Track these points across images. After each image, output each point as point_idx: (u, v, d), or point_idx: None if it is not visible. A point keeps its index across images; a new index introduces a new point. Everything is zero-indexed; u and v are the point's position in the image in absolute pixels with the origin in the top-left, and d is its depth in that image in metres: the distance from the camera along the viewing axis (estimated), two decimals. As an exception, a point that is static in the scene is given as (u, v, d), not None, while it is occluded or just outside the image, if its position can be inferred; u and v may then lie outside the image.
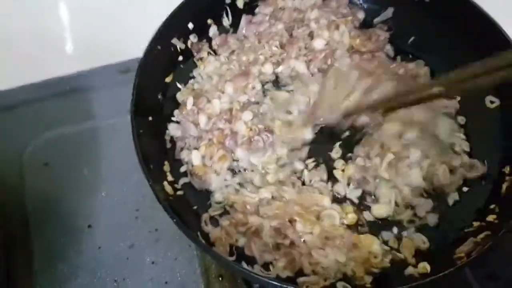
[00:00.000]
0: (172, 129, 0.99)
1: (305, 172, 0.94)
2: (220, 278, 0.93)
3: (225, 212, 0.90)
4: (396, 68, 1.04)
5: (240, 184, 0.93)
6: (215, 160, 0.94)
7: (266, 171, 0.94)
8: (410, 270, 0.82)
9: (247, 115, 0.97)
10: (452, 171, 0.92)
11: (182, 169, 0.95)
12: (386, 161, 0.91)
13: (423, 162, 0.91)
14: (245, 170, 0.95)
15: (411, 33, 1.08)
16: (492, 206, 0.87)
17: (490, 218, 0.85)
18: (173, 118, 1.00)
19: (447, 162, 0.92)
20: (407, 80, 1.02)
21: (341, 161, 0.95)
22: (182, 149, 0.97)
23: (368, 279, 0.83)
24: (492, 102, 0.99)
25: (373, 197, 0.92)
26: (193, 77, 1.06)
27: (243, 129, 0.96)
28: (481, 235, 0.81)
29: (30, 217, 1.00)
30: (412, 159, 0.91)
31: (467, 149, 0.95)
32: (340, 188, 0.93)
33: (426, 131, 0.95)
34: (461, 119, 0.99)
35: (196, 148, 0.96)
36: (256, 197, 0.90)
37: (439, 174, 0.90)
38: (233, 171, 0.95)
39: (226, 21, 1.10)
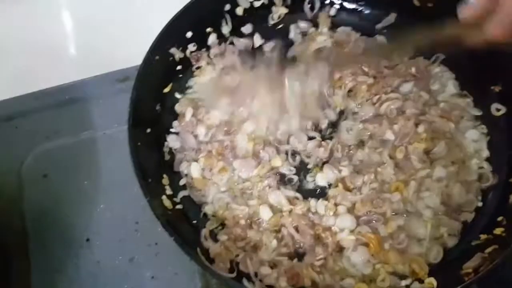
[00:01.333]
0: (171, 141, 0.97)
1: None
2: (221, 293, 0.91)
3: (223, 226, 0.89)
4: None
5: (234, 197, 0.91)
6: (215, 172, 0.92)
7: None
8: (415, 285, 0.80)
9: (249, 126, 0.95)
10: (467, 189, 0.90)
11: (182, 182, 0.93)
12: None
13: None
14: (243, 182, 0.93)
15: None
16: (499, 219, 0.85)
17: (498, 231, 0.82)
18: (172, 130, 0.98)
19: (462, 180, 0.90)
20: None
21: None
22: (181, 161, 0.95)
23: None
24: (498, 109, 0.97)
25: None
26: (191, 87, 1.04)
27: (245, 142, 0.94)
28: (489, 249, 0.79)
29: (28, 229, 0.98)
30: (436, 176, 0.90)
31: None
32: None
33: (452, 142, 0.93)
34: (483, 128, 0.97)
35: (195, 160, 0.94)
36: (245, 209, 0.88)
37: (454, 193, 0.88)
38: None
39: (226, 29, 1.08)
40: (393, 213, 0.88)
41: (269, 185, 0.91)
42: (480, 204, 0.90)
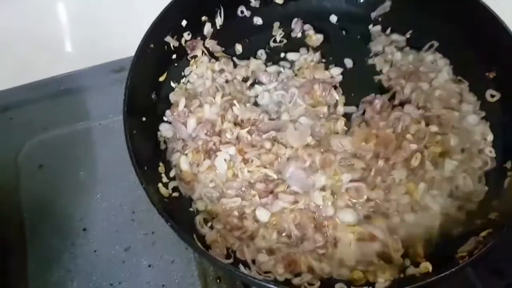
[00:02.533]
0: (164, 130, 0.97)
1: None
2: (218, 281, 0.91)
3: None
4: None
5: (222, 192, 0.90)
6: (201, 170, 0.91)
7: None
8: (411, 270, 0.80)
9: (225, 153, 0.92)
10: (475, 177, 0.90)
11: (172, 173, 0.92)
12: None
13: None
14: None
15: (408, 27, 1.07)
16: (494, 203, 0.85)
17: (493, 215, 0.83)
18: (164, 118, 0.98)
19: (469, 168, 0.90)
20: None
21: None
22: (173, 151, 0.95)
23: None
24: (492, 96, 0.97)
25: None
26: (186, 76, 1.04)
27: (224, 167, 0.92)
28: (483, 233, 0.79)
29: (25, 219, 0.98)
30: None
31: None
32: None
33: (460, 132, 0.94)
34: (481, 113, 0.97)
35: (185, 154, 0.93)
36: (237, 200, 0.88)
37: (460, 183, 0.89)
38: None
39: (219, 21, 1.08)
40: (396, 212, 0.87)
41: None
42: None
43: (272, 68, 1.05)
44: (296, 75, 1.05)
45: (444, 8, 1.01)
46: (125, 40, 1.10)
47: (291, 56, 1.08)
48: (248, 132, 0.94)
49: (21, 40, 1.20)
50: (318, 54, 1.07)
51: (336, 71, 1.05)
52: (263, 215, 0.87)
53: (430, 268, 0.79)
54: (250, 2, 1.09)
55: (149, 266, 0.93)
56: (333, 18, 1.12)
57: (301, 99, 1.00)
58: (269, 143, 0.93)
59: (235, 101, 0.97)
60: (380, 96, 1.00)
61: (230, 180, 0.91)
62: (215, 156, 0.91)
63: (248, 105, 0.99)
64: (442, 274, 0.72)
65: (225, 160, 0.91)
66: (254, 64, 1.05)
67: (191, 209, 0.90)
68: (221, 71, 1.04)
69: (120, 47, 1.12)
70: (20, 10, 1.25)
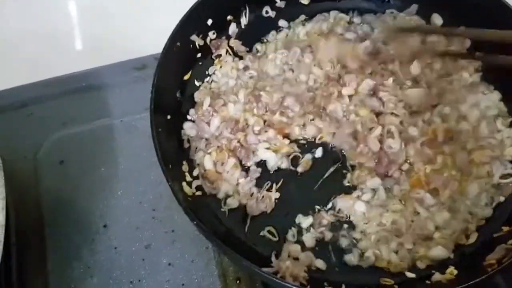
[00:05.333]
0: (187, 128, 0.96)
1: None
2: (238, 281, 0.90)
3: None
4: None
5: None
6: (226, 169, 0.91)
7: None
8: (437, 276, 0.80)
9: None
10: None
11: (195, 172, 0.92)
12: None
13: None
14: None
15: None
16: (521, 210, 0.84)
17: (520, 223, 0.82)
18: (188, 117, 0.98)
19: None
20: None
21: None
22: (196, 149, 0.95)
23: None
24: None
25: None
26: (210, 75, 1.04)
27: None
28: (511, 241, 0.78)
29: (45, 215, 0.98)
30: None
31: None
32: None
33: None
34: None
35: (208, 153, 0.93)
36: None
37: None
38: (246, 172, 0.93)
39: (244, 20, 1.08)
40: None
41: None
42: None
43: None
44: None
45: (471, 11, 1.00)
46: (146, 38, 1.11)
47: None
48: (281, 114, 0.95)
49: (41, 34, 1.21)
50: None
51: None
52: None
53: (455, 273, 0.79)
54: (276, 2, 1.09)
55: (169, 264, 0.93)
56: (357, 20, 1.11)
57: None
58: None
59: (261, 92, 0.97)
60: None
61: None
62: (254, 155, 0.93)
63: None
64: (471, 282, 0.71)
65: (268, 148, 0.92)
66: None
67: (213, 209, 0.89)
68: (246, 68, 1.04)
69: (141, 45, 1.13)
70: (40, 5, 1.26)
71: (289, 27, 1.09)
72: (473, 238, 0.84)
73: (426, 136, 0.91)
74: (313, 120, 0.96)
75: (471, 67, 0.99)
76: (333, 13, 1.10)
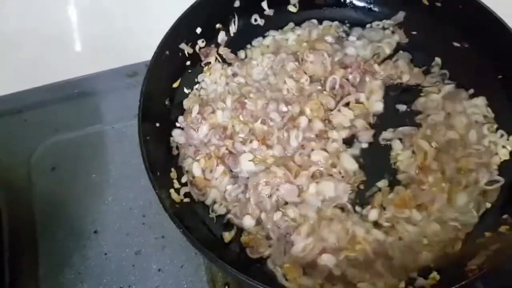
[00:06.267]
0: (176, 135, 0.98)
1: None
2: (227, 287, 0.92)
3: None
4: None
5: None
6: (215, 176, 0.92)
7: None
8: (420, 281, 0.80)
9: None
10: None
11: (183, 179, 0.93)
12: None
13: None
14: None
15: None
16: (504, 217, 0.85)
17: (503, 228, 0.83)
18: (177, 124, 0.99)
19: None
20: None
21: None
22: (185, 157, 0.96)
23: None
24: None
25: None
26: (199, 82, 1.05)
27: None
28: (493, 247, 0.79)
29: (37, 221, 0.99)
30: None
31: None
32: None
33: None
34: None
35: (197, 160, 0.94)
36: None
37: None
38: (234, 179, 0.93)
39: (233, 29, 1.09)
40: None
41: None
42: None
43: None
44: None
45: (458, 19, 1.02)
46: (138, 45, 1.12)
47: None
48: (262, 122, 0.96)
49: (35, 41, 1.22)
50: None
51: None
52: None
53: (438, 278, 0.79)
54: (264, 10, 1.10)
55: (159, 270, 0.94)
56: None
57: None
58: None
59: (246, 100, 0.98)
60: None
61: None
62: (236, 164, 0.93)
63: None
64: (453, 287, 0.72)
65: (251, 159, 0.92)
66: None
67: (201, 215, 0.91)
68: (234, 74, 1.05)
69: (133, 52, 1.13)
70: (34, 11, 1.27)
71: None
72: (458, 245, 0.85)
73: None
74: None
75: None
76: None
